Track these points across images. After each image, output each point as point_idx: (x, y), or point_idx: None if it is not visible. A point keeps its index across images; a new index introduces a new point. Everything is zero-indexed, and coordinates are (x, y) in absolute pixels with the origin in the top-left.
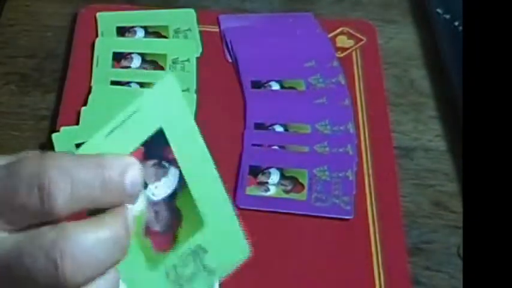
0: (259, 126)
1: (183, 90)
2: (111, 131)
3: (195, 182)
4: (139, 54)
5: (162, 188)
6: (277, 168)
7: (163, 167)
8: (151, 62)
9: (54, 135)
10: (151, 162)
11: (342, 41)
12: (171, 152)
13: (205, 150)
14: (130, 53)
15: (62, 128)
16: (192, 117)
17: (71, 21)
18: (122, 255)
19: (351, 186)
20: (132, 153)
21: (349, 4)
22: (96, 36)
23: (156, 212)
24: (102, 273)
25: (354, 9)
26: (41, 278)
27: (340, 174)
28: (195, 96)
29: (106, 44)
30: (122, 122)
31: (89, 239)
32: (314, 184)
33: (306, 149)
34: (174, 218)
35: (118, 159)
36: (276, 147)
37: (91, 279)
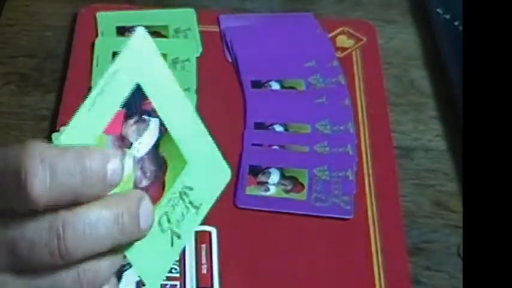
0: (259, 126)
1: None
2: (93, 103)
3: (174, 124)
4: None
5: (145, 142)
6: (277, 168)
7: (144, 121)
8: None
9: (54, 135)
10: (132, 120)
11: (342, 41)
12: (149, 104)
13: (180, 89)
14: None
15: (62, 128)
16: (166, 64)
17: (71, 21)
18: (123, 238)
19: (351, 186)
20: (114, 117)
21: (349, 4)
22: (96, 36)
23: (142, 168)
24: (102, 251)
25: (354, 9)
26: (43, 248)
27: (340, 174)
28: (195, 96)
29: (106, 44)
30: (101, 90)
31: (91, 214)
32: (314, 184)
33: (306, 149)
34: (159, 167)
35: (100, 150)
36: (276, 147)
37: (91, 254)
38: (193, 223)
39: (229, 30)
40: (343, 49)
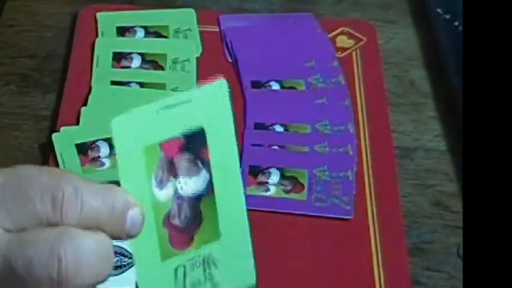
0: (259, 126)
1: (182, 90)
2: (162, 109)
3: (221, 194)
4: (139, 54)
5: (191, 186)
6: (277, 168)
7: (197, 165)
8: (151, 62)
9: (54, 135)
10: (186, 156)
11: (342, 41)
12: (207, 155)
13: (238, 166)
14: (130, 53)
15: (62, 128)
16: (233, 128)
17: (71, 21)
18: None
19: (351, 186)
20: (172, 140)
21: (349, 4)
22: (96, 36)
23: (180, 206)
24: (99, 279)
25: (354, 9)
26: (43, 271)
27: (340, 174)
28: None
29: (106, 44)
30: (172, 106)
31: (89, 239)
32: (314, 184)
33: (306, 149)
34: (194, 219)
35: (123, 194)
36: (276, 147)
37: (90, 282)
38: None
39: (229, 31)
40: (343, 49)
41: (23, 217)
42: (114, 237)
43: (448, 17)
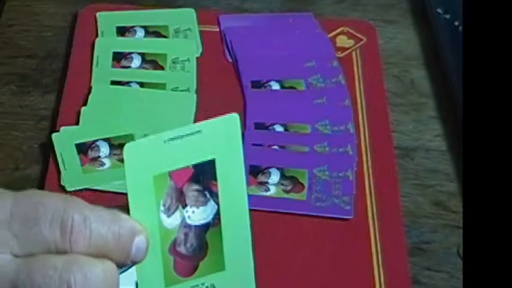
0: (259, 126)
1: (182, 90)
2: (170, 139)
3: (228, 225)
4: (139, 54)
5: (198, 216)
6: (277, 168)
7: (205, 196)
8: (151, 62)
9: (54, 135)
10: (195, 186)
11: (342, 41)
12: (215, 186)
13: (246, 199)
14: (130, 53)
15: (62, 128)
16: (243, 161)
17: (71, 21)
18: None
19: (351, 186)
20: (182, 170)
21: (349, 4)
22: (96, 36)
23: (186, 235)
24: None
25: (354, 9)
26: None
27: (340, 174)
28: (195, 96)
29: (106, 44)
30: (181, 137)
31: (97, 267)
32: (314, 184)
33: (306, 149)
34: (200, 249)
35: (129, 222)
36: (276, 147)
37: None
38: None
39: (229, 30)
40: (343, 49)
41: (31, 243)
42: (119, 264)
43: (448, 17)
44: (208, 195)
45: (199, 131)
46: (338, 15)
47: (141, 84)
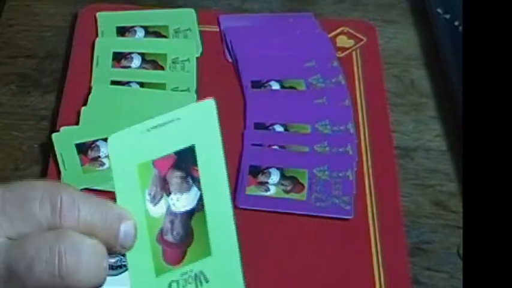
0: (259, 126)
1: (182, 90)
2: (152, 128)
3: (211, 210)
4: (139, 54)
5: (182, 202)
6: (277, 168)
7: (188, 182)
8: (151, 62)
9: (54, 135)
10: (178, 173)
11: (342, 41)
12: (197, 172)
13: (227, 183)
14: (130, 53)
15: (62, 128)
16: (221, 146)
17: (71, 21)
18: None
19: (351, 186)
20: (164, 157)
21: (349, 4)
22: (96, 36)
23: (172, 222)
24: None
25: (354, 9)
26: (44, 269)
27: (340, 174)
28: (195, 96)
29: (106, 44)
30: (161, 125)
31: (87, 241)
32: (314, 184)
33: (306, 149)
34: (186, 235)
35: (116, 208)
36: (276, 147)
37: (87, 282)
38: None
39: (229, 31)
40: (343, 49)
41: (24, 223)
42: (108, 247)
43: (448, 17)
44: (190, 181)
45: (178, 118)
46: (338, 15)
47: (141, 84)
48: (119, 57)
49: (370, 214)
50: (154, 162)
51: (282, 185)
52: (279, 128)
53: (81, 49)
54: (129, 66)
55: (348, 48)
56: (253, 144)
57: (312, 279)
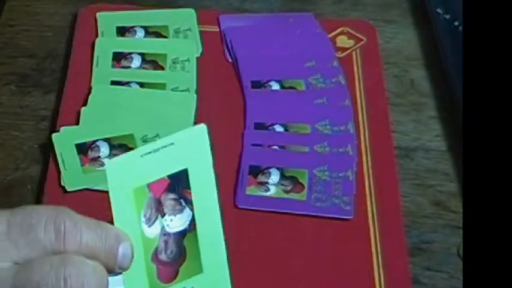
0: (259, 126)
1: (182, 90)
2: (146, 154)
3: (202, 230)
4: (139, 54)
5: (176, 223)
6: (277, 168)
7: (181, 204)
8: (151, 62)
9: (54, 135)
10: (172, 195)
11: (342, 41)
12: (189, 194)
13: (217, 205)
14: (130, 53)
15: (62, 128)
16: (213, 169)
17: (71, 21)
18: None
19: (351, 186)
20: (159, 181)
21: (349, 4)
22: (96, 36)
23: (166, 242)
24: None
25: (354, 9)
26: None
27: (340, 174)
28: (195, 96)
29: (106, 44)
30: (155, 150)
31: (89, 264)
32: (314, 184)
33: (306, 149)
34: (179, 254)
35: (114, 229)
36: (276, 147)
37: None
38: None
39: (229, 31)
40: (343, 49)
41: (29, 248)
42: (108, 268)
43: (448, 17)
44: (183, 203)
45: (172, 143)
46: (338, 15)
47: (141, 84)
48: (118, 57)
49: (370, 214)
50: (149, 186)
51: (282, 185)
52: (279, 128)
53: (81, 49)
54: (129, 66)
55: (348, 48)
56: (253, 144)
57: (312, 280)
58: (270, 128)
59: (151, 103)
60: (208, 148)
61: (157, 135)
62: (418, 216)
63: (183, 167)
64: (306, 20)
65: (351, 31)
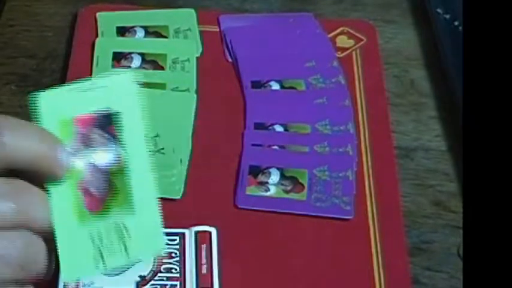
0: (259, 126)
1: (182, 90)
2: (74, 89)
3: (130, 169)
4: (139, 54)
5: (101, 157)
6: (277, 168)
7: (107, 140)
8: (151, 62)
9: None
10: (98, 131)
11: (342, 41)
12: (116, 132)
13: (146, 147)
14: (130, 53)
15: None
16: (141, 113)
17: (71, 21)
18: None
19: (351, 186)
20: (84, 115)
21: (349, 4)
22: (96, 36)
23: (92, 175)
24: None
25: (354, 9)
26: None
27: (340, 174)
28: (195, 96)
29: (106, 44)
30: (86, 89)
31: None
32: (314, 184)
33: (306, 149)
34: (107, 189)
35: (53, 135)
36: (276, 147)
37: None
38: (120, 266)
39: (229, 31)
40: (343, 49)
41: None
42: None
43: (448, 17)
44: (110, 140)
45: (104, 86)
46: (338, 15)
47: (141, 85)
48: (118, 57)
49: (370, 214)
50: (76, 119)
51: (282, 185)
52: (279, 128)
53: (81, 49)
54: (129, 67)
55: (348, 48)
56: (253, 144)
57: (312, 280)
58: (270, 128)
59: (151, 103)
60: (136, 92)
61: (157, 135)
62: (418, 216)
63: (110, 106)
64: (306, 20)
65: (351, 31)
